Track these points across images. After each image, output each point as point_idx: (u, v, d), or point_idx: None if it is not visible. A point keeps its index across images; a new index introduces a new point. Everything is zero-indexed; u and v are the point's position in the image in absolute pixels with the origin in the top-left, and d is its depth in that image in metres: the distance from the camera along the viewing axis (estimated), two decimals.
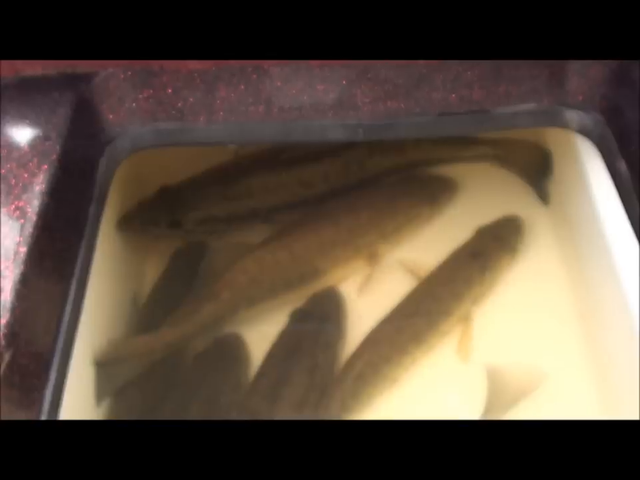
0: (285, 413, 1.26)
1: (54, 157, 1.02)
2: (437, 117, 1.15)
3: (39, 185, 0.99)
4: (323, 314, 1.38)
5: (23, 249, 0.92)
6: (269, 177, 1.48)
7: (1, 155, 1.02)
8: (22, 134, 1.05)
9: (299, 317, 1.38)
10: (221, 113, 1.14)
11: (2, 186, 0.99)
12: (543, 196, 1.52)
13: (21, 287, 0.90)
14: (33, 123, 1.06)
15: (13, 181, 0.99)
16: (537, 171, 1.53)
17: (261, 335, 1.37)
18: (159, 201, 1.43)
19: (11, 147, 1.03)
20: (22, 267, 0.91)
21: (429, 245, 1.47)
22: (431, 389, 1.32)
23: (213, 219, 1.45)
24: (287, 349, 1.34)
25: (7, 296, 0.88)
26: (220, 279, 1.38)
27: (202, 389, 1.32)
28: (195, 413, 1.28)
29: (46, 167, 1.00)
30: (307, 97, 1.14)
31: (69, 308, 0.99)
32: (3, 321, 0.86)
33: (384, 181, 1.51)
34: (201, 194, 1.45)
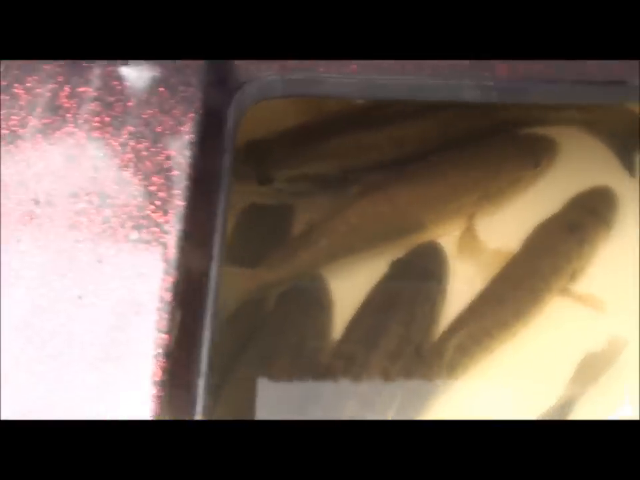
0: (380, 361, 1.27)
1: (198, 104, 0.96)
2: (573, 83, 1.11)
3: (187, 133, 0.93)
4: (424, 267, 1.38)
5: (181, 203, 0.87)
6: (361, 135, 1.44)
7: (139, 98, 0.96)
8: (157, 78, 0.99)
9: (399, 268, 1.36)
10: (354, 66, 1.09)
11: (147, 132, 0.93)
12: (630, 167, 1.51)
13: (184, 243, 0.85)
14: (167, 67, 1.00)
15: (159, 128, 0.93)
16: (625, 140, 1.51)
17: (356, 283, 1.37)
18: (250, 155, 1.38)
19: (150, 90, 0.97)
20: (183, 222, 0.86)
21: (518, 212, 1.46)
22: (524, 359, 1.33)
23: (303, 177, 1.42)
24: (385, 298, 1.34)
25: (171, 254, 0.84)
26: (319, 227, 1.38)
27: (287, 332, 1.32)
28: (283, 356, 1.29)
29: (192, 114, 0.95)
30: None
31: (214, 265, 0.95)
32: (171, 279, 0.82)
33: (484, 140, 1.48)
34: (292, 150, 1.41)
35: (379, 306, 1.33)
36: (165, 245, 0.84)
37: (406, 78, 1.10)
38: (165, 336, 0.78)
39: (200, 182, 0.92)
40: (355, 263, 1.40)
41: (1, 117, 0.96)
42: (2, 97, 0.99)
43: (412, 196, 1.41)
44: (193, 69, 0.99)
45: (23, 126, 0.95)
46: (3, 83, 1.00)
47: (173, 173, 0.89)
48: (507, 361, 1.32)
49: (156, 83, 0.98)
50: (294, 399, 1.26)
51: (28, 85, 0.99)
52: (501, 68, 1.09)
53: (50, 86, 0.99)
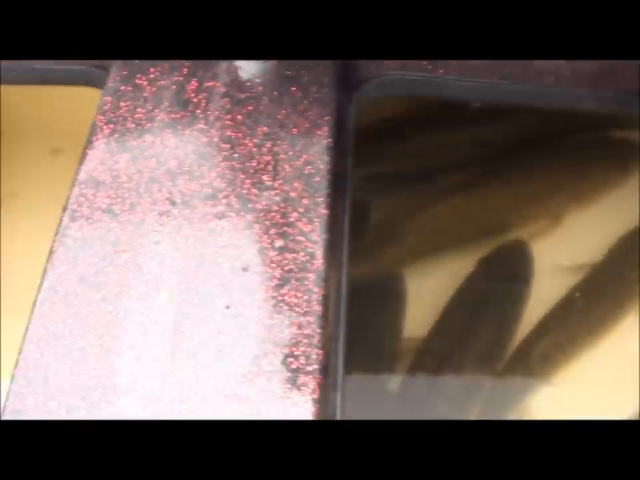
0: (470, 361, 1.28)
1: (332, 106, 0.93)
2: None
3: (325, 138, 0.90)
4: (511, 268, 1.37)
5: (324, 212, 0.85)
6: (442, 135, 1.43)
7: (270, 96, 0.93)
8: (287, 76, 0.96)
9: (486, 267, 1.36)
10: (475, 70, 1.06)
11: (282, 134, 0.90)
12: None
13: (329, 253, 0.83)
14: (296, 65, 0.97)
15: (295, 130, 0.90)
16: None
17: (440, 282, 1.35)
18: None
19: (281, 89, 0.94)
20: (327, 233, 0.84)
21: (604, 217, 1.45)
22: (608, 364, 1.32)
23: (380, 176, 1.41)
24: (473, 297, 1.34)
25: (319, 264, 0.81)
26: (407, 224, 1.37)
27: (365, 328, 1.31)
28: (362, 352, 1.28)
29: (328, 117, 0.92)
30: (566, 62, 1.07)
31: (344, 272, 0.93)
32: (322, 292, 0.80)
33: (572, 140, 1.47)
34: (371, 148, 1.39)
35: (467, 305, 1.33)
36: (312, 255, 0.81)
37: (526, 84, 1.07)
38: (319, 351, 0.76)
39: (337, 189, 0.90)
40: (437, 261, 1.39)
41: (126, 109, 0.93)
42: (124, 87, 0.96)
43: (503, 196, 1.40)
44: (324, 68, 0.96)
45: (151, 120, 0.92)
46: (124, 73, 0.97)
47: (315, 179, 0.87)
48: (590, 367, 1.32)
49: (287, 82, 0.95)
50: (378, 397, 1.26)
51: (151, 76, 0.96)
52: (623, 79, 1.07)
53: (175, 78, 0.96)
